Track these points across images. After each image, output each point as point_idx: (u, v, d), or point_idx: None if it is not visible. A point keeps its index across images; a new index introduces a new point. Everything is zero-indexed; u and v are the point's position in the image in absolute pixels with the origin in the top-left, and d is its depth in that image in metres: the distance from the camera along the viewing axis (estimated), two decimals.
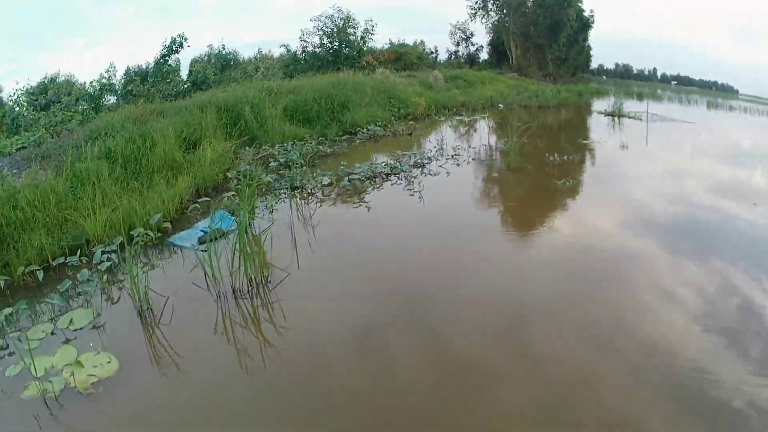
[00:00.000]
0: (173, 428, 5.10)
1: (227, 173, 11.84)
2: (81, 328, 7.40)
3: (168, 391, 5.71)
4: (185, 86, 17.31)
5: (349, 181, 10.77)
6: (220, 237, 8.47)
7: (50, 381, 6.31)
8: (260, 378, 5.56)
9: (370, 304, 6.73)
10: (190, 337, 6.49)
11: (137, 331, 7.20)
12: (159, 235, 9.60)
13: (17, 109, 14.00)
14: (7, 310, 7.92)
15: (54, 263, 8.92)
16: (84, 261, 8.82)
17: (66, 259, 9.01)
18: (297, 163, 12.06)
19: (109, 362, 6.60)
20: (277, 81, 17.25)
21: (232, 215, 9.38)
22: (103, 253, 8.86)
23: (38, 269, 8.59)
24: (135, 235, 9.11)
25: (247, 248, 6.92)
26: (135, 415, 5.42)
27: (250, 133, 13.52)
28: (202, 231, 9.10)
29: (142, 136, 11.57)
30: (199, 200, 10.51)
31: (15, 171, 10.90)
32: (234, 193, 10.08)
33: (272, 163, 12.30)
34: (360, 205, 9.79)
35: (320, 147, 13.53)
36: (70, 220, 9.75)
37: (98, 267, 8.58)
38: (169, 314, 7.01)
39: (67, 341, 7.20)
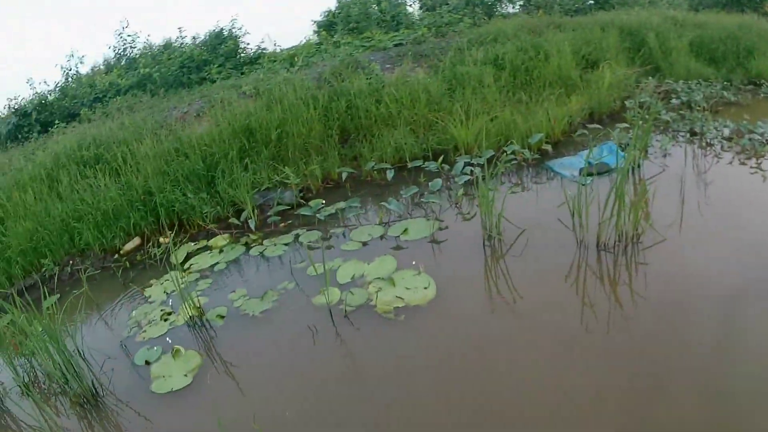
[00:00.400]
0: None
1: (625, 101, 9.73)
2: (414, 241, 5.91)
3: (480, 339, 4.29)
4: (587, 3, 15.01)
5: (749, 139, 7.87)
6: (604, 173, 6.71)
7: (351, 292, 5.09)
8: (597, 342, 4.10)
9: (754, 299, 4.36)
10: (533, 281, 4.92)
11: (476, 260, 5.42)
12: (537, 156, 7.67)
13: (398, 7, 13.20)
14: (340, 204, 6.91)
15: (410, 165, 7.65)
16: (444, 169, 7.28)
17: (423, 164, 7.55)
18: (699, 106, 9.60)
19: (426, 288, 4.94)
20: (682, 12, 14.52)
21: (622, 150, 7.18)
22: (466, 164, 7.20)
23: (389, 168, 7.44)
24: (508, 152, 7.26)
25: (625, 195, 5.02)
26: (425, 362, 4.14)
27: (653, 63, 11.38)
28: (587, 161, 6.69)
29: (534, 46, 10.11)
30: (590, 126, 8.51)
31: (387, 66, 9.72)
32: (628, 125, 8.08)
33: (673, 100, 9.86)
34: (756, 171, 6.94)
35: (724, 92, 10.65)
36: (438, 124, 8.34)
37: (455, 180, 7.03)
38: (518, 248, 5.43)
39: (396, 248, 5.80)
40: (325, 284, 4.92)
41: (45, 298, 5.24)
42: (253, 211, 6.94)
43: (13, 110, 12.39)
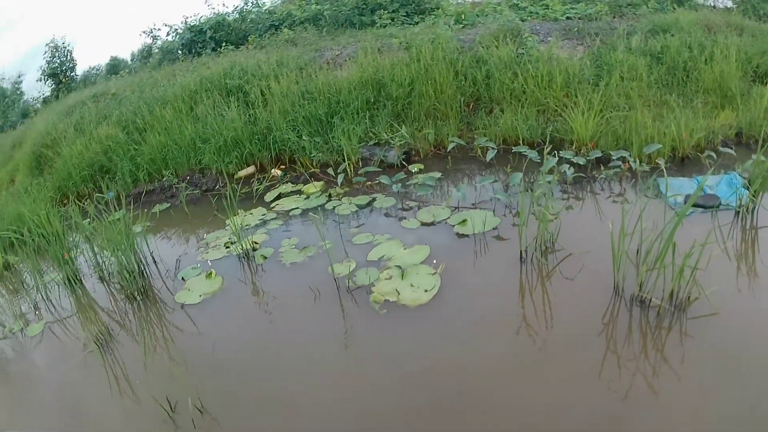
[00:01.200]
0: None
1: None
2: (465, 235, 5.65)
3: (437, 370, 3.91)
4: None
5: None
6: (712, 206, 5.63)
7: (366, 272, 5.19)
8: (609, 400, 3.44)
9: None
10: (540, 324, 4.23)
11: (501, 275, 4.93)
12: (646, 169, 6.58)
13: None
14: (418, 179, 6.99)
15: (514, 149, 7.01)
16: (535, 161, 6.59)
17: (525, 150, 6.90)
18: None
19: (427, 291, 4.78)
20: None
21: (746, 186, 5.88)
22: (565, 162, 6.53)
23: (492, 148, 6.93)
24: (615, 158, 6.55)
25: (676, 246, 4.03)
26: (371, 367, 4.08)
27: None
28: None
29: (700, 45, 8.56)
30: (721, 148, 6.90)
31: (550, 39, 9.14)
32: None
33: None
34: None
35: None
36: (565, 110, 7.64)
37: (516, 178, 6.20)
38: (563, 272, 4.79)
39: (445, 239, 5.69)
40: (330, 261, 5.20)
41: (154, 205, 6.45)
42: (357, 163, 7.45)
43: (188, 26, 14.02)
